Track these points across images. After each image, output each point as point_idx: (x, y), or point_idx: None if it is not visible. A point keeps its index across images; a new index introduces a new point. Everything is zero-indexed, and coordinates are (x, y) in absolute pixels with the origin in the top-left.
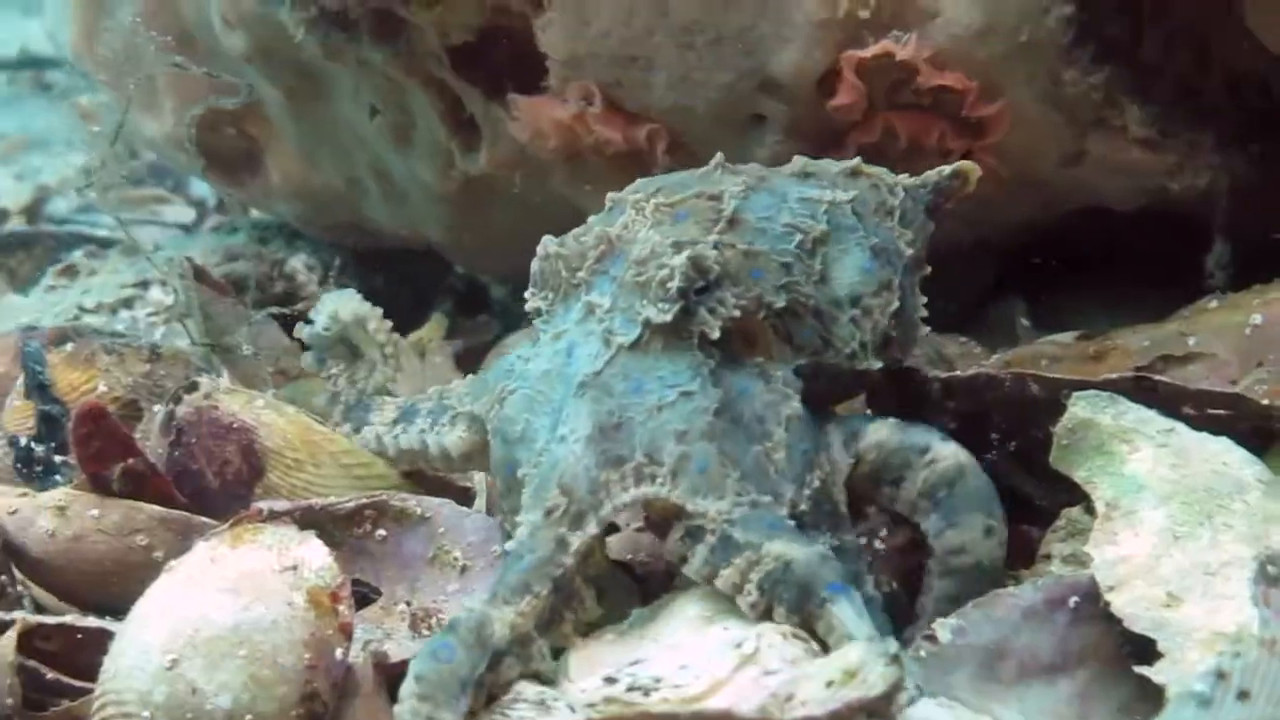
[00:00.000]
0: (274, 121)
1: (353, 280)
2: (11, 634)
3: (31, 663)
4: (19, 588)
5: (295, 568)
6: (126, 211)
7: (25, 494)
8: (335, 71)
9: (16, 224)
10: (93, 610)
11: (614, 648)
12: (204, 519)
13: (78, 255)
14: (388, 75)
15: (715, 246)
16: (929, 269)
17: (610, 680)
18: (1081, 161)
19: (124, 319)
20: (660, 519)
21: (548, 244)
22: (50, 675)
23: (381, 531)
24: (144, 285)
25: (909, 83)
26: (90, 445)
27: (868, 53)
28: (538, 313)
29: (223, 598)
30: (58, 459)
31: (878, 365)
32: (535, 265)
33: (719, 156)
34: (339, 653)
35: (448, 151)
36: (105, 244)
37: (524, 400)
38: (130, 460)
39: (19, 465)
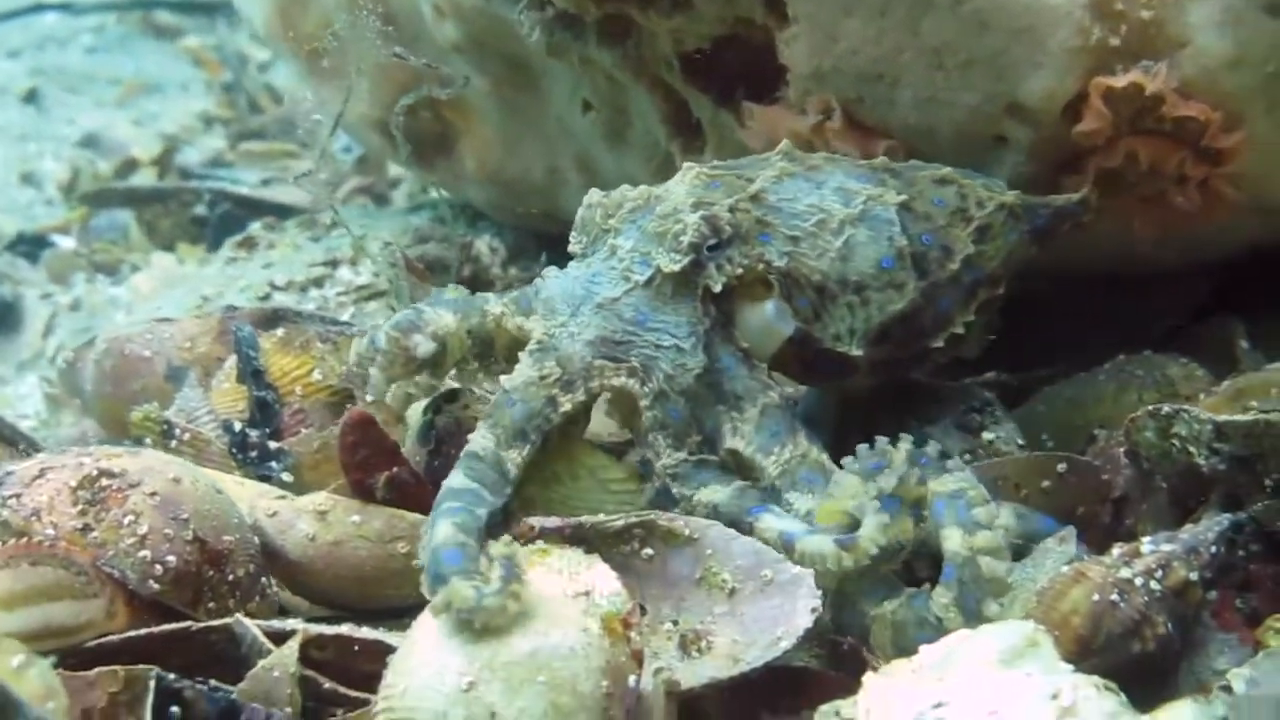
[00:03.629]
0: (475, 108)
1: (531, 262)
2: (294, 644)
3: (310, 673)
4: (273, 590)
5: (588, 593)
6: (258, 166)
7: (283, 497)
8: (550, 65)
9: (147, 175)
10: (347, 616)
11: (910, 686)
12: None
13: (257, 227)
14: (609, 75)
15: (731, 210)
16: (999, 290)
17: None
18: None
19: (314, 297)
20: (629, 413)
21: (593, 194)
22: (327, 685)
23: (648, 550)
24: (333, 264)
25: (1153, 110)
26: (357, 453)
27: (1119, 82)
28: (576, 255)
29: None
30: (272, 445)
31: (858, 353)
32: (580, 212)
33: (785, 144)
34: (632, 680)
35: (667, 153)
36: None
37: (557, 286)
38: (395, 469)
39: (234, 450)
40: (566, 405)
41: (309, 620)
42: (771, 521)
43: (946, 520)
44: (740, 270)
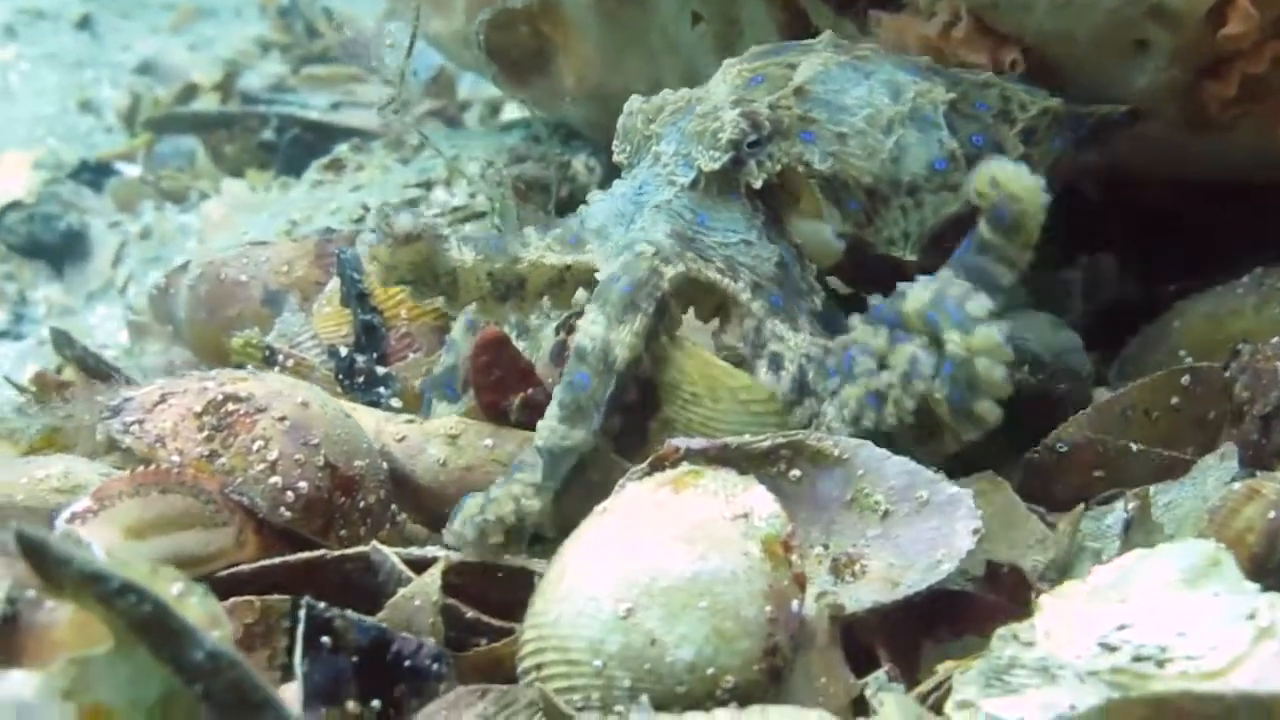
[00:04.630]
0: (574, 22)
1: None
2: (435, 571)
3: (452, 601)
4: (402, 517)
5: (746, 515)
6: (323, 90)
7: (412, 420)
8: None
9: (209, 101)
10: None
11: (1090, 607)
12: (610, 455)
13: (344, 149)
14: None
15: (771, 107)
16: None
17: (1109, 648)
18: None
19: None
20: (713, 308)
21: (633, 100)
22: (470, 614)
23: (796, 471)
24: (427, 185)
25: None
26: (490, 374)
27: None
28: (621, 165)
29: (677, 546)
30: (380, 370)
31: (913, 258)
32: (621, 120)
33: (827, 34)
34: (795, 604)
35: None
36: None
37: (604, 209)
38: (530, 390)
39: (341, 377)
40: (671, 272)
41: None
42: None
43: (944, 325)
44: (780, 167)
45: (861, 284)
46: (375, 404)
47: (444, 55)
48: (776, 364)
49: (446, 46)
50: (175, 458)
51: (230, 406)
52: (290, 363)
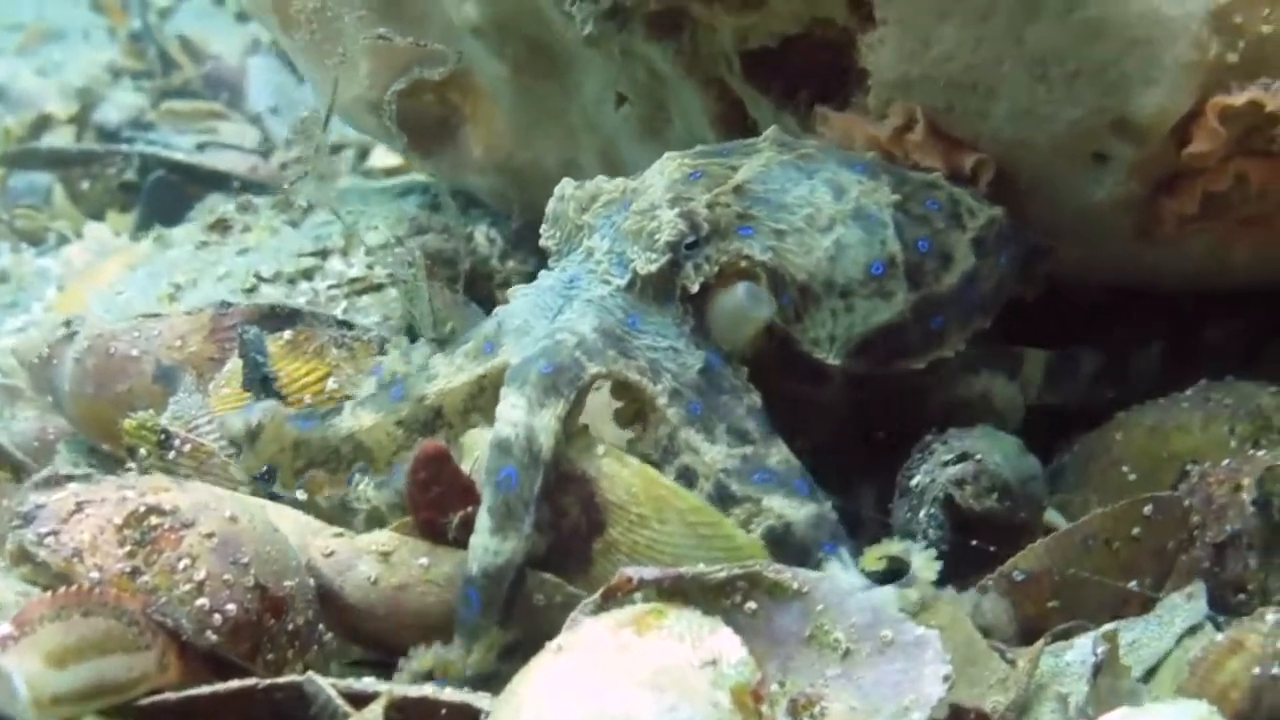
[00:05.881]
0: (486, 92)
1: (530, 254)
2: (378, 708)
3: None
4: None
5: (714, 662)
6: (182, 126)
7: (341, 534)
8: (581, 54)
9: (63, 133)
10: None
11: None
12: (543, 575)
13: (230, 210)
14: (651, 68)
15: (709, 206)
16: (988, 323)
17: None
18: None
19: (304, 290)
20: (633, 414)
21: (565, 185)
22: None
23: (752, 604)
24: (323, 254)
25: (1267, 130)
26: (429, 491)
27: (1238, 100)
28: (550, 252)
29: (643, 694)
30: None
31: (836, 363)
32: (551, 205)
33: (773, 130)
34: None
35: None
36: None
37: (528, 304)
38: (470, 508)
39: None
40: (594, 370)
41: (357, 663)
42: (838, 571)
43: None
44: (718, 268)
45: (783, 385)
46: (277, 496)
47: (345, 120)
48: (687, 478)
49: (348, 111)
50: (94, 574)
51: (154, 520)
52: (188, 448)
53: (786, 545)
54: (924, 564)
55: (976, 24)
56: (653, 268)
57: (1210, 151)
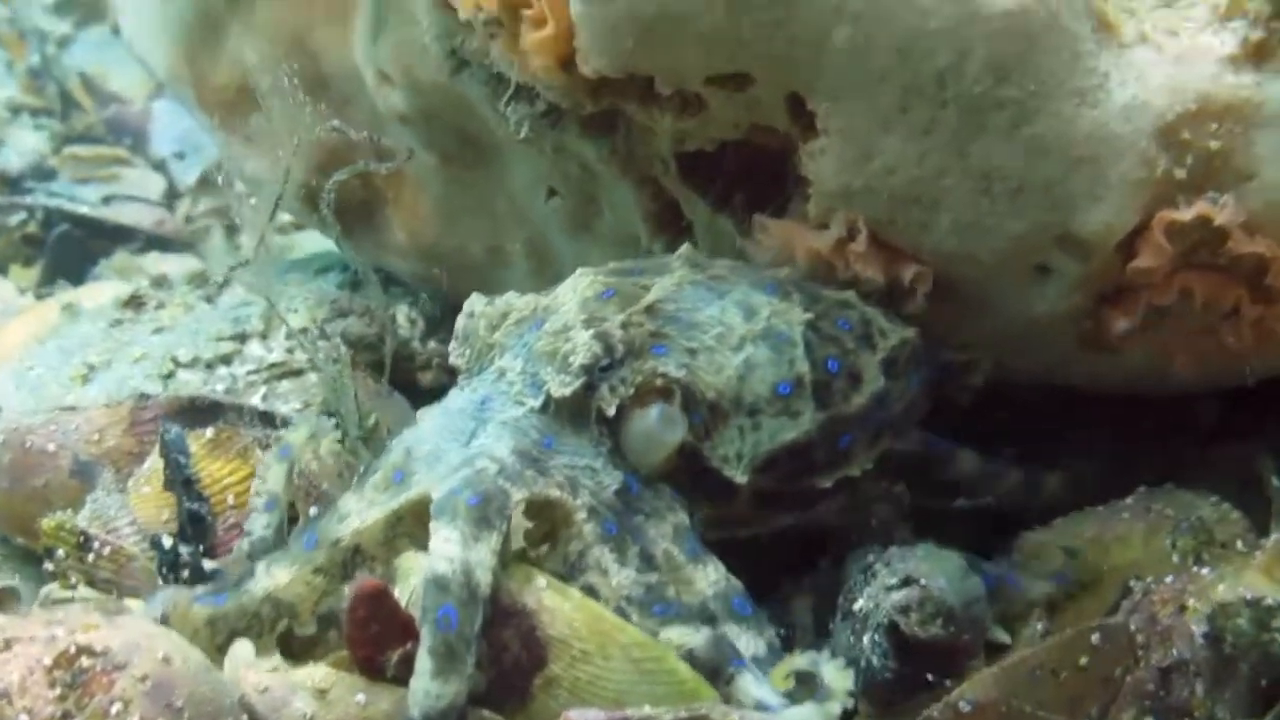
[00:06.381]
0: (411, 179)
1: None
2: None
3: None
4: None
5: None
6: (84, 172)
7: (276, 669)
8: (511, 146)
9: None
10: None
11: None
12: (482, 712)
13: (144, 286)
14: (584, 163)
15: (624, 325)
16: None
17: None
18: None
19: (223, 376)
20: (544, 533)
21: (475, 301)
22: None
23: None
24: (241, 338)
25: (1214, 245)
26: (367, 628)
27: (1185, 215)
28: (459, 370)
29: None
30: (207, 565)
31: (742, 480)
32: (461, 322)
33: (685, 249)
34: None
35: (648, 252)
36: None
37: (437, 427)
38: (409, 645)
39: (164, 570)
40: (518, 495)
41: None
42: (750, 685)
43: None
44: (633, 390)
45: (693, 499)
46: None
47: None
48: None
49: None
50: (24, 717)
51: (85, 661)
52: (107, 551)
53: (697, 668)
54: (836, 676)
55: (920, 137)
56: (567, 391)
57: (1156, 267)
